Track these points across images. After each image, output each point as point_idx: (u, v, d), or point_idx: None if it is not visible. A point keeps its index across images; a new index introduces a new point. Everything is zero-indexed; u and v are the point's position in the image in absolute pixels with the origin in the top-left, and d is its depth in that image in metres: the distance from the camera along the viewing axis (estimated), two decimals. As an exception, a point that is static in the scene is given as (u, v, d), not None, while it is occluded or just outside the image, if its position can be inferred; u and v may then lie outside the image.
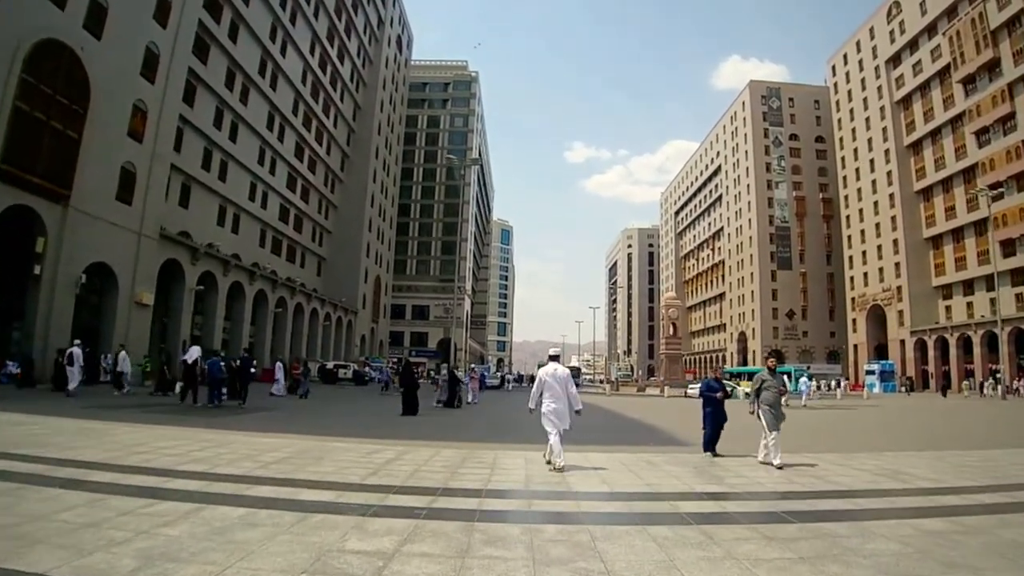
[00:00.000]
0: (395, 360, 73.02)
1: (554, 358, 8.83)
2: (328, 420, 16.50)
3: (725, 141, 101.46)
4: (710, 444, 10.22)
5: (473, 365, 26.34)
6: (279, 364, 26.73)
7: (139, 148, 29.23)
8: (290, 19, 50.60)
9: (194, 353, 19.61)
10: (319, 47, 57.16)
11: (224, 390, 18.89)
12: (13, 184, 22.49)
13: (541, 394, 8.45)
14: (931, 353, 62.14)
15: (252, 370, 21.42)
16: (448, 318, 79.21)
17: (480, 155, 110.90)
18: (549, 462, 8.37)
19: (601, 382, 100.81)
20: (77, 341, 21.03)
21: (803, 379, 36.61)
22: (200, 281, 35.88)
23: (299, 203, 56.31)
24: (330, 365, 43.83)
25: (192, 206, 39.67)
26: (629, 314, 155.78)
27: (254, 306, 43.66)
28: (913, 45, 66.46)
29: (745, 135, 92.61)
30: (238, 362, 20.97)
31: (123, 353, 21.41)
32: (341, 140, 65.73)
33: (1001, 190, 47.96)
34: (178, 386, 20.30)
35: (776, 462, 8.89)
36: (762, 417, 9.19)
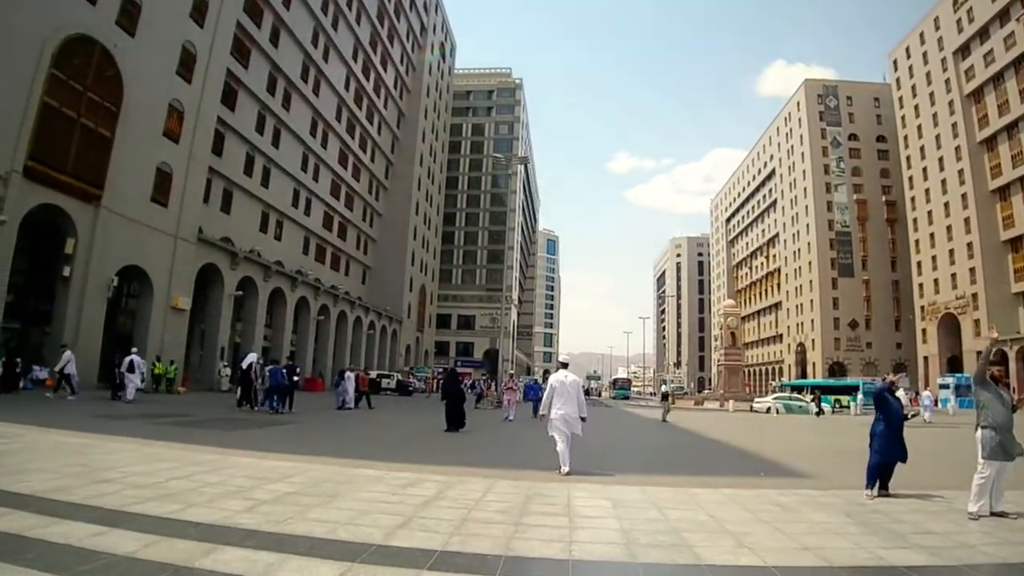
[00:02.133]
0: (441, 369, 71.38)
1: (564, 365, 9.24)
2: (362, 435, 14.43)
3: (779, 144, 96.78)
4: (875, 477, 7.54)
5: (511, 373, 22.64)
6: (349, 374, 23.77)
7: (175, 149, 28.17)
8: (332, 24, 49.77)
9: (250, 358, 20.14)
10: (362, 53, 56.31)
11: (275, 398, 18.78)
12: (41, 183, 21.45)
13: (551, 401, 8.83)
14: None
15: (295, 378, 21.07)
16: (494, 328, 77.32)
17: (526, 165, 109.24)
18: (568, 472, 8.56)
19: (652, 395, 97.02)
20: (134, 349, 21.20)
21: (925, 393, 33.06)
22: (240, 287, 34.72)
23: (343, 210, 55.34)
24: (373, 375, 42.08)
25: (234, 212, 38.77)
26: (678, 325, 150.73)
27: (296, 313, 42.46)
28: (983, 34, 61.18)
29: (801, 136, 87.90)
30: (284, 370, 20.11)
31: (67, 353, 19.45)
32: (385, 147, 64.77)
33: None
34: (238, 391, 20.62)
35: (972, 508, 6.28)
36: (981, 443, 6.53)
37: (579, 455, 12.04)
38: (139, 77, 25.26)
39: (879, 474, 7.48)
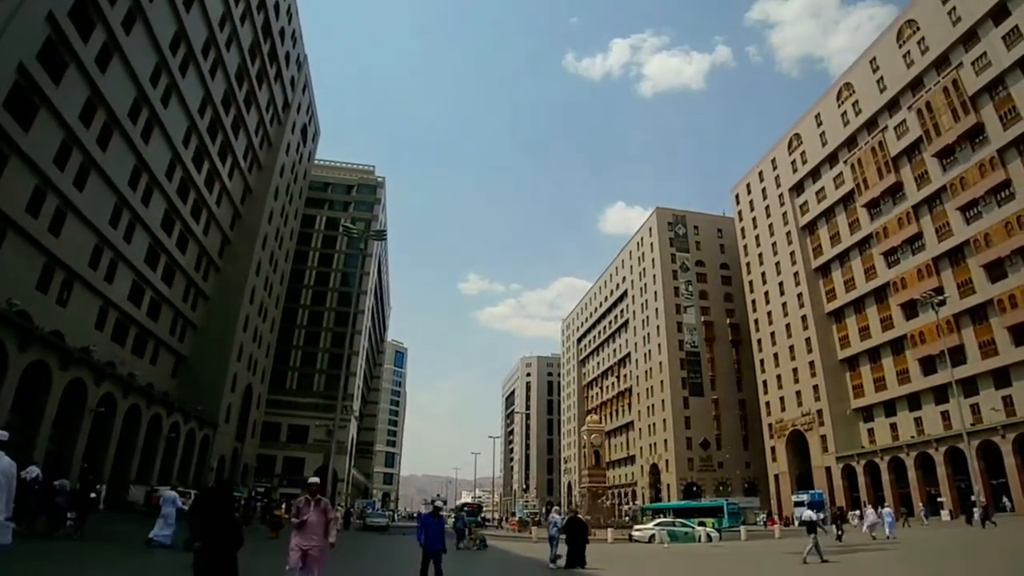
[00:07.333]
0: (259, 489, 59.14)
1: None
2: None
3: (631, 267, 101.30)
4: None
5: (312, 486, 8.53)
6: (170, 495, 17.46)
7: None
8: (180, 67, 43.00)
9: (33, 471, 17.13)
10: (211, 110, 49.45)
11: (71, 515, 16.63)
12: None
13: None
14: (861, 479, 58.51)
15: (93, 495, 18.21)
16: (330, 442, 67.10)
17: (380, 268, 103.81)
18: None
19: (501, 521, 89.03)
20: None
21: (886, 510, 30.21)
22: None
23: (159, 285, 45.38)
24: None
25: (3, 256, 28.81)
26: (527, 447, 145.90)
27: (66, 403, 31.64)
28: (815, 174, 69.54)
29: (652, 260, 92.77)
30: (79, 485, 18.18)
31: None
32: (224, 222, 56.27)
33: (946, 296, 47.12)
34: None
35: None
36: None
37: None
38: None
39: None
